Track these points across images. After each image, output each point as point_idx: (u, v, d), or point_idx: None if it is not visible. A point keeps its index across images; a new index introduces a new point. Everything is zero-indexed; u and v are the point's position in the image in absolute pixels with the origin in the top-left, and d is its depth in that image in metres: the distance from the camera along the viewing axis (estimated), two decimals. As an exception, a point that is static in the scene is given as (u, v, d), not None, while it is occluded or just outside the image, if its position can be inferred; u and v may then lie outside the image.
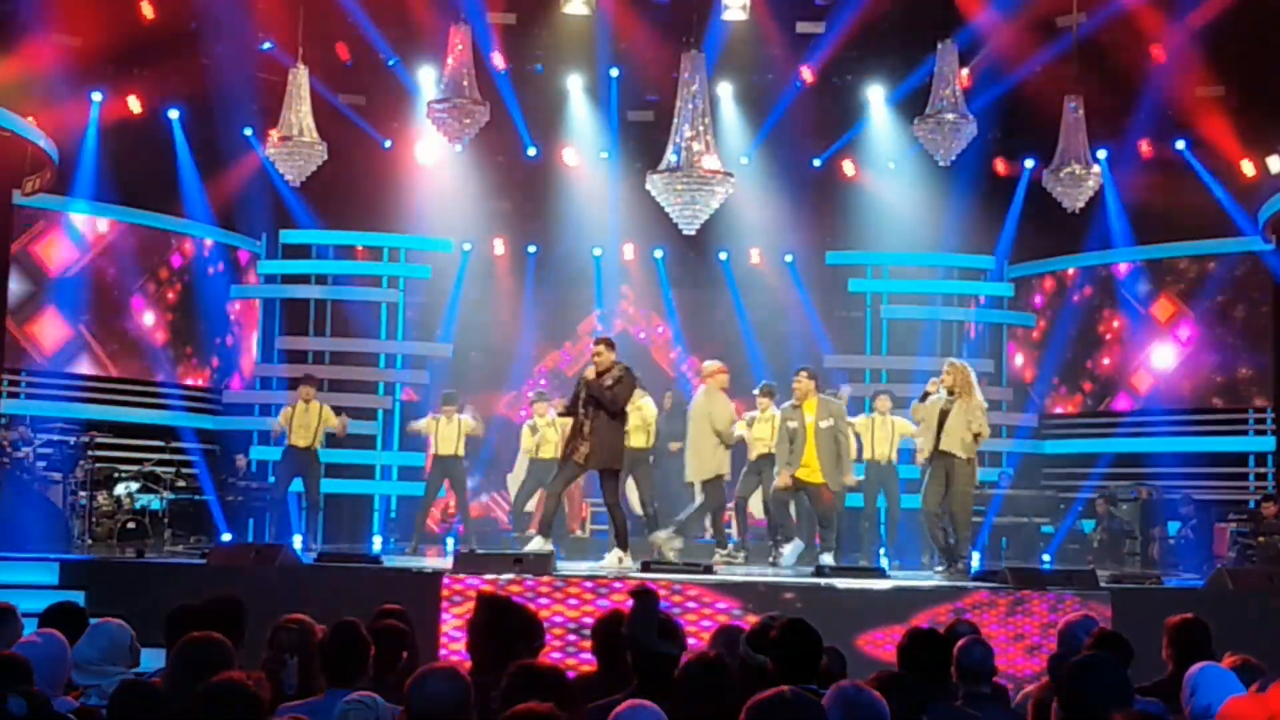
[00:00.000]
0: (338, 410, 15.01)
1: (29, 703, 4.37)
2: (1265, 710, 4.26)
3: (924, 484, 12.34)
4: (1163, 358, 17.48)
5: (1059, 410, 18.56)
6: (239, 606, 6.13)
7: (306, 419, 14.70)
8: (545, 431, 15.15)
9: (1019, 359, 19.02)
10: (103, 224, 16.65)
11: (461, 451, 15.02)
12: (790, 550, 12.62)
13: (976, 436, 12.15)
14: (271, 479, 16.54)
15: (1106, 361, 18.15)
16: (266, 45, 16.22)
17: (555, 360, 19.35)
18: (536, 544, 11.80)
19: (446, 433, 14.91)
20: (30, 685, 4.67)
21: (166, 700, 4.56)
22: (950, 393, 12.17)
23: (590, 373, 11.94)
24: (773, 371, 17.65)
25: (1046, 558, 15.67)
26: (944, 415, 12.09)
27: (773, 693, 3.83)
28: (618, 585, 10.29)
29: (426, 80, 17.05)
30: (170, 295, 17.41)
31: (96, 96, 16.08)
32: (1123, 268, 17.92)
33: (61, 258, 16.26)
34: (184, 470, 15.88)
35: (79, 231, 16.43)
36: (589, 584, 10.42)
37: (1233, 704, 4.52)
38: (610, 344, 12.13)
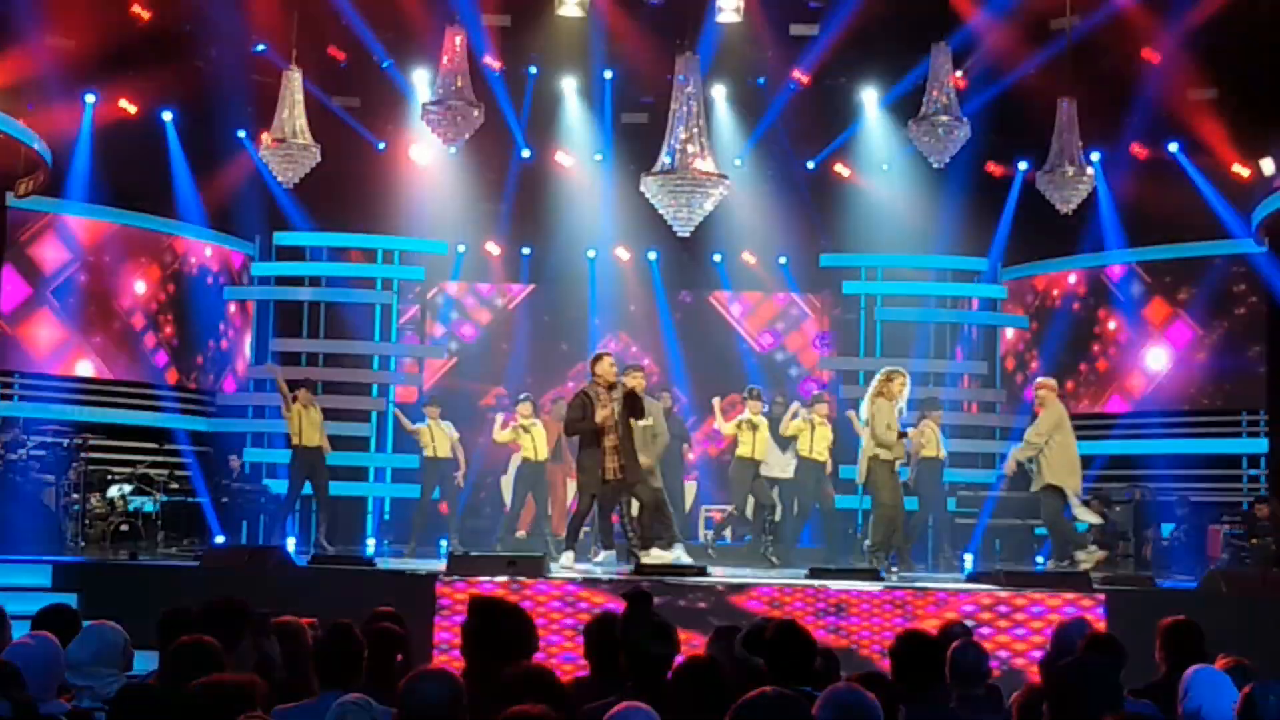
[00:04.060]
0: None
1: (14, 706, 4.36)
2: None
3: (892, 486, 12.55)
4: (1156, 360, 17.49)
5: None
6: (238, 608, 6.09)
7: (315, 418, 14.95)
8: (533, 432, 15.16)
9: (1012, 361, 19.03)
10: (96, 226, 16.63)
11: (450, 454, 15.29)
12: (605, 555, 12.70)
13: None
14: (265, 480, 16.56)
15: (1100, 364, 18.16)
16: (260, 47, 16.20)
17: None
18: (567, 559, 11.87)
19: (438, 437, 15.21)
20: (18, 689, 4.66)
21: (167, 703, 4.55)
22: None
23: (639, 383, 11.96)
24: (765, 373, 17.70)
25: (1040, 559, 15.68)
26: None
27: (757, 693, 3.84)
28: (611, 587, 10.30)
29: (421, 82, 17.06)
30: (164, 297, 17.38)
31: (90, 98, 16.08)
32: (1116, 270, 17.92)
33: (55, 260, 16.24)
34: (177, 472, 15.88)
35: (72, 233, 16.40)
36: (582, 586, 10.43)
37: None
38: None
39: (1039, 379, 13.65)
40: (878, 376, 13.06)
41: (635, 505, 12.36)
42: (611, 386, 11.99)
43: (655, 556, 11.77)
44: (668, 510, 12.50)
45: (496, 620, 5.38)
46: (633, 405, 11.98)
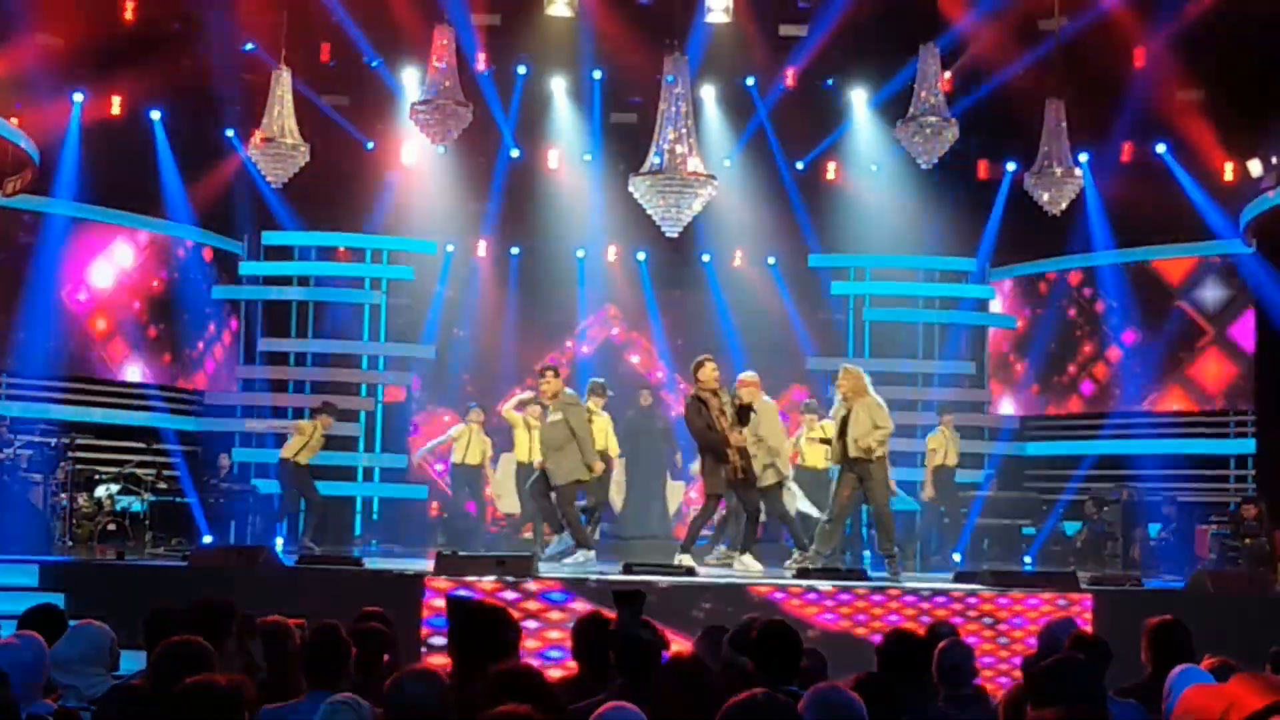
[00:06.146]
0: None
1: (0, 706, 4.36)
2: (1224, 700, 4.26)
3: (834, 490, 12.38)
4: (1144, 360, 17.53)
5: (1040, 412, 18.61)
6: (224, 608, 6.08)
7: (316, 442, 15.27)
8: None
9: (1000, 361, 19.06)
10: (84, 225, 16.57)
11: (479, 462, 15.73)
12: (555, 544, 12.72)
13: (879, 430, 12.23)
14: (254, 480, 16.56)
15: (1087, 364, 18.20)
16: (249, 46, 16.18)
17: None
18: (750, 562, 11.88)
19: (475, 443, 15.60)
20: (4, 689, 4.65)
21: (153, 704, 4.54)
22: (845, 398, 12.20)
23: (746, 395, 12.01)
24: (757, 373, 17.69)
25: (1028, 559, 15.71)
26: (843, 422, 12.09)
27: (746, 696, 3.83)
28: (600, 587, 10.29)
29: (410, 81, 17.05)
30: (152, 296, 17.34)
31: (78, 97, 16.03)
32: (1104, 270, 17.95)
33: (42, 258, 16.17)
34: (165, 472, 15.82)
35: (60, 232, 16.33)
36: (570, 586, 10.42)
37: (1192, 693, 4.52)
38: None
39: (746, 374, 12.78)
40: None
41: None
42: (715, 392, 11.97)
43: (745, 564, 11.91)
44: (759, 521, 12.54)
45: (473, 619, 5.38)
46: (742, 415, 11.99)
